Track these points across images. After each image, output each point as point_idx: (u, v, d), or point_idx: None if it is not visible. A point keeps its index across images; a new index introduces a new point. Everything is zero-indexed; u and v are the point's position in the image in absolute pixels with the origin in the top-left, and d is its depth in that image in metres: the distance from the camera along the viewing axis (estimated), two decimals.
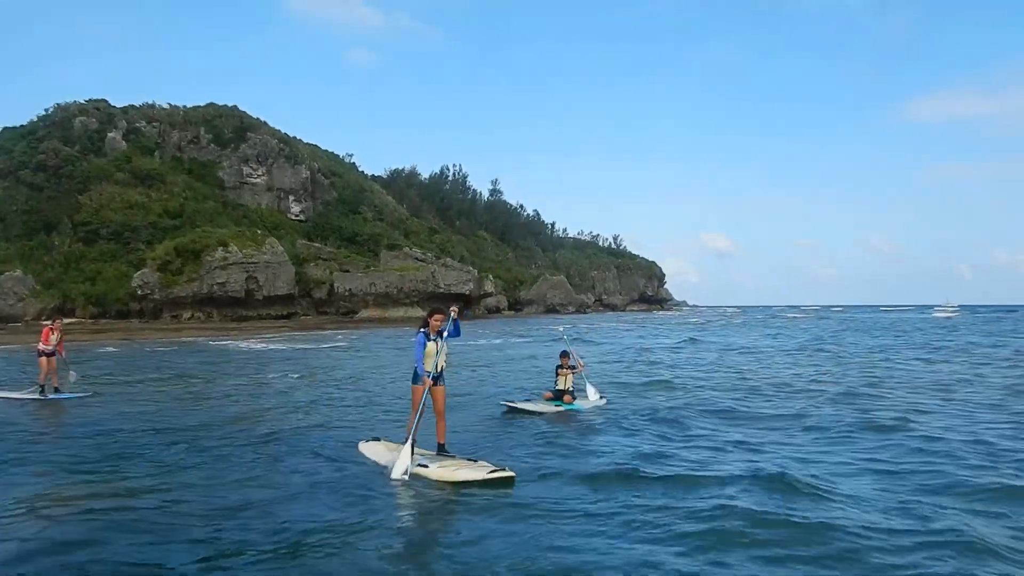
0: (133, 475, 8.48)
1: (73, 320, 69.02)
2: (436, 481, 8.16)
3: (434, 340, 8.91)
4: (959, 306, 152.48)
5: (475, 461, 8.62)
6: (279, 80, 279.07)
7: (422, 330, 8.93)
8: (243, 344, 43.07)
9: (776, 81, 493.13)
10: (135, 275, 78.37)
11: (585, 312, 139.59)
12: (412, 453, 8.59)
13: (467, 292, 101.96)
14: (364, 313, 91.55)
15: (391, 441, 9.75)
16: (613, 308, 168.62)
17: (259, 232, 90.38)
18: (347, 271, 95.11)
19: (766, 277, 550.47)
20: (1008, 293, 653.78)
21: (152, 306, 79.25)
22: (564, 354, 14.66)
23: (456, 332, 9.12)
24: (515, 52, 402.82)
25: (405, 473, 8.19)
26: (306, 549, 5.89)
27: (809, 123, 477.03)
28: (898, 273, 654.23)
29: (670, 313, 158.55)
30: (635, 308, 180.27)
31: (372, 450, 9.60)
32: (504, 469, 8.13)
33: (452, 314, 9.10)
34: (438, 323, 8.95)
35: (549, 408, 13.75)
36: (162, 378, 21.42)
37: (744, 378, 19.61)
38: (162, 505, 7.17)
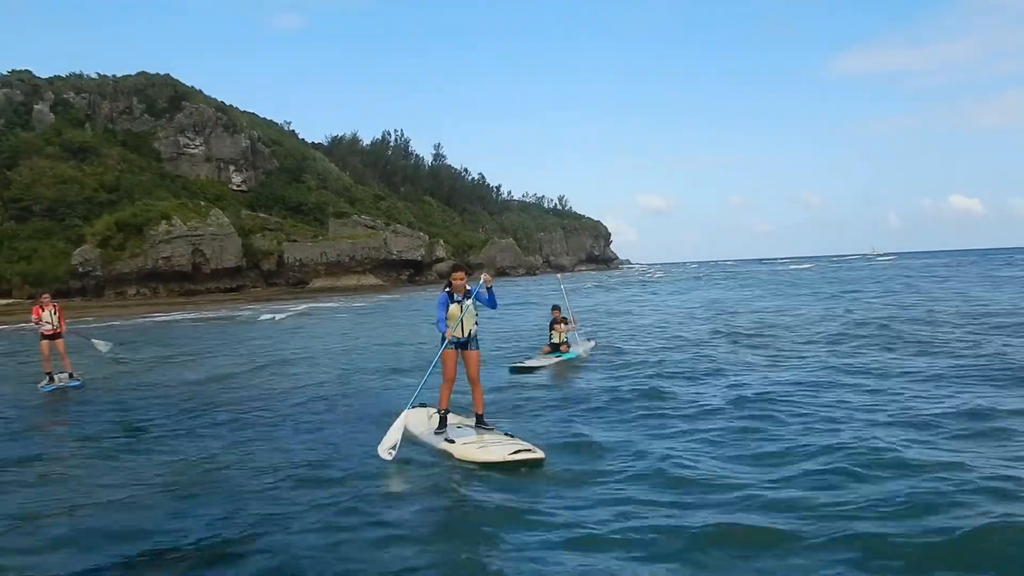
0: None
1: (11, 301, 66.34)
2: (458, 460, 7.47)
3: (458, 301, 8.21)
4: (883, 253, 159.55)
5: (511, 436, 7.87)
6: (210, 47, 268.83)
7: (445, 290, 8.27)
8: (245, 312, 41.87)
9: (700, 41, 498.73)
10: (75, 252, 75.48)
11: (535, 275, 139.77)
12: (444, 425, 8.25)
13: (418, 258, 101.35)
14: (316, 283, 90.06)
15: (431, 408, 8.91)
16: (561, 269, 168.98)
17: (202, 204, 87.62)
18: (295, 241, 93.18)
19: (703, 234, 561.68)
20: (935, 238, 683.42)
21: (94, 284, 76.56)
22: (556, 307, 15.60)
23: (491, 303, 8.40)
24: (447, 11, 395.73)
25: (393, 449, 7.49)
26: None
27: (736, 83, 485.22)
28: (828, 224, 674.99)
29: (623, 272, 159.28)
30: (583, 268, 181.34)
31: (414, 418, 8.65)
32: (532, 449, 7.30)
33: (485, 282, 8.28)
34: (460, 281, 8.24)
35: (550, 360, 14.62)
36: (144, 357, 20.64)
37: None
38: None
